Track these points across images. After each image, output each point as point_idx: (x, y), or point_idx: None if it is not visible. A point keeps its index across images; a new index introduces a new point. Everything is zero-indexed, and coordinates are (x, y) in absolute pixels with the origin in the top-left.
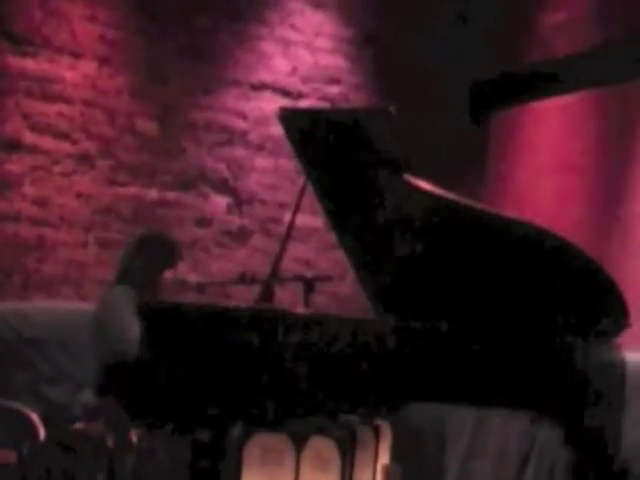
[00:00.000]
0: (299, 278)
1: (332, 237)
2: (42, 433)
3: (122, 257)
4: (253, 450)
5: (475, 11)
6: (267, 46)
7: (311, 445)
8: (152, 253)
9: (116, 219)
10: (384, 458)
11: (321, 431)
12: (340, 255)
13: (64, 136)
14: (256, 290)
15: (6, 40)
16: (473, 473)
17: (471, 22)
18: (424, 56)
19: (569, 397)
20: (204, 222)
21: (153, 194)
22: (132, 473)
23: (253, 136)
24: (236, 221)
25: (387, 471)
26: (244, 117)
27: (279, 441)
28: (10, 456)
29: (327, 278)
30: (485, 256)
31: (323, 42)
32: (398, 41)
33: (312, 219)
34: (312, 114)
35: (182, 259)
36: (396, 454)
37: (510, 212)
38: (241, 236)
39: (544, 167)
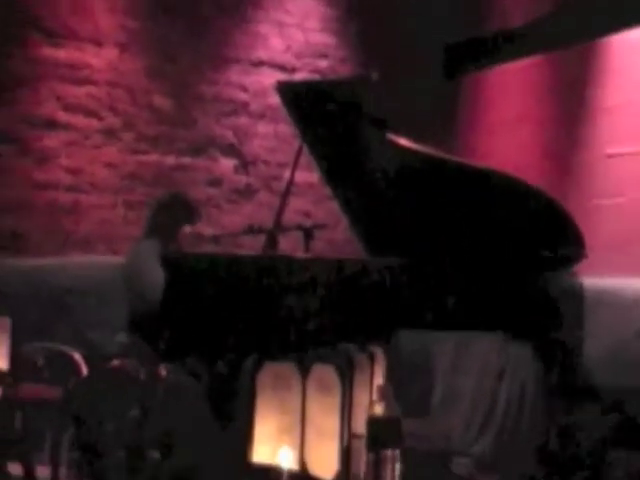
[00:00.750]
0: (299, 227)
1: (326, 190)
2: (84, 370)
3: (148, 215)
4: (265, 378)
5: None
6: (264, 28)
7: (314, 371)
8: (173, 211)
9: (140, 183)
10: (378, 379)
11: (323, 359)
12: (334, 206)
13: (92, 114)
14: (262, 239)
15: (41, 34)
16: (456, 387)
17: None
18: (401, 26)
19: (536, 318)
20: (215, 182)
21: (170, 160)
22: (161, 402)
23: (254, 106)
24: (243, 180)
25: (381, 391)
26: (246, 90)
27: (287, 369)
28: (55, 391)
29: (323, 226)
30: (458, 201)
31: (312, 23)
32: (377, 16)
33: (308, 175)
34: (305, 85)
35: (200, 217)
36: (389, 375)
37: (478, 161)
38: (247, 193)
39: (506, 120)
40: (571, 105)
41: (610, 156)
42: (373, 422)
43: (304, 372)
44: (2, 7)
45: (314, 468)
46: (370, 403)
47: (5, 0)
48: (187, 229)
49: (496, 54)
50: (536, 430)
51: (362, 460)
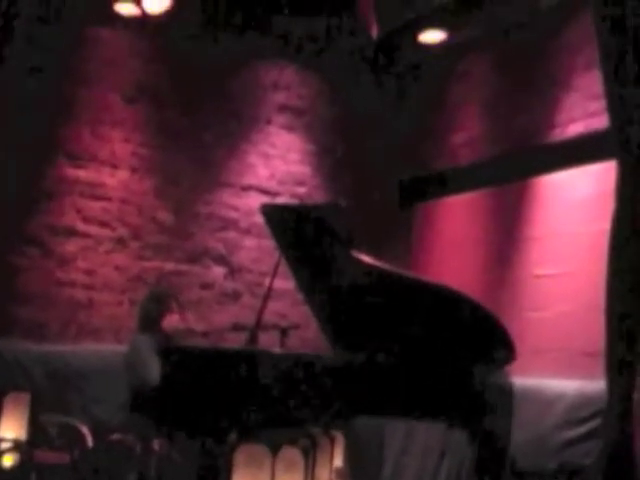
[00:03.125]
0: (276, 326)
1: (300, 296)
2: (90, 441)
3: (139, 308)
4: (240, 456)
5: (401, 130)
6: (253, 158)
7: (283, 453)
8: (160, 301)
9: (143, 284)
10: (338, 460)
11: (291, 441)
12: (306, 309)
13: (106, 225)
14: (245, 336)
15: (65, 157)
16: (404, 465)
17: (398, 138)
18: (367, 163)
19: (473, 409)
20: (207, 286)
21: (170, 266)
22: (155, 472)
23: (242, 223)
24: (230, 285)
25: (339, 472)
26: (236, 209)
27: (259, 449)
28: (65, 457)
29: (297, 326)
30: (410, 309)
31: (293, 155)
32: (348, 153)
33: (285, 282)
34: (285, 208)
35: (181, 305)
36: (346, 456)
37: (428, 276)
38: (234, 296)
39: (452, 242)
40: (507, 232)
41: (537, 276)
42: None
43: (274, 452)
44: (36, 134)
45: None
46: None
47: (39, 129)
48: (179, 324)
49: (444, 188)
50: None
51: None
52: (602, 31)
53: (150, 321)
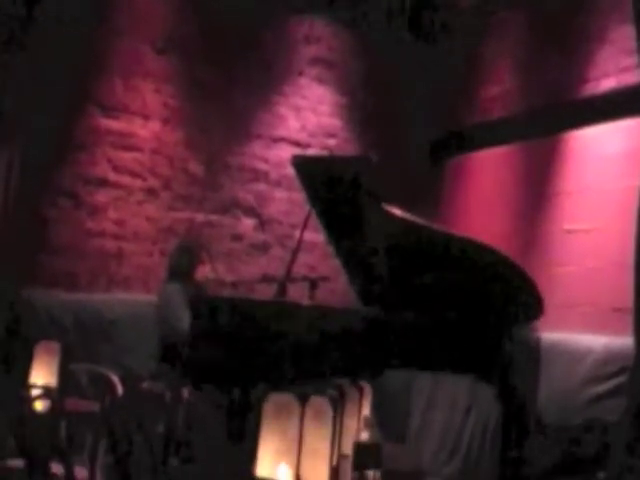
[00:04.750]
0: (305, 278)
1: (330, 249)
2: (119, 390)
3: (170, 258)
4: (269, 407)
5: (433, 84)
6: (284, 110)
7: (311, 402)
8: (191, 253)
9: (173, 235)
10: (365, 410)
11: (318, 391)
12: (336, 262)
13: (137, 175)
14: (274, 287)
15: (98, 108)
16: (431, 419)
17: (429, 92)
18: (397, 118)
19: (500, 364)
20: (237, 238)
21: (200, 217)
22: (183, 420)
23: (273, 175)
24: (260, 237)
25: (366, 421)
26: (266, 161)
27: (288, 399)
28: (95, 406)
29: (326, 278)
30: (439, 262)
31: (324, 108)
32: (378, 107)
33: (315, 235)
34: (316, 160)
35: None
36: (374, 407)
37: (457, 231)
38: (263, 248)
39: (484, 199)
40: (537, 187)
41: (567, 232)
42: (358, 447)
43: (303, 402)
44: (68, 86)
45: None
46: (357, 430)
47: (71, 80)
48: (210, 274)
49: (475, 143)
50: (495, 457)
51: (348, 478)
52: None
53: (180, 272)
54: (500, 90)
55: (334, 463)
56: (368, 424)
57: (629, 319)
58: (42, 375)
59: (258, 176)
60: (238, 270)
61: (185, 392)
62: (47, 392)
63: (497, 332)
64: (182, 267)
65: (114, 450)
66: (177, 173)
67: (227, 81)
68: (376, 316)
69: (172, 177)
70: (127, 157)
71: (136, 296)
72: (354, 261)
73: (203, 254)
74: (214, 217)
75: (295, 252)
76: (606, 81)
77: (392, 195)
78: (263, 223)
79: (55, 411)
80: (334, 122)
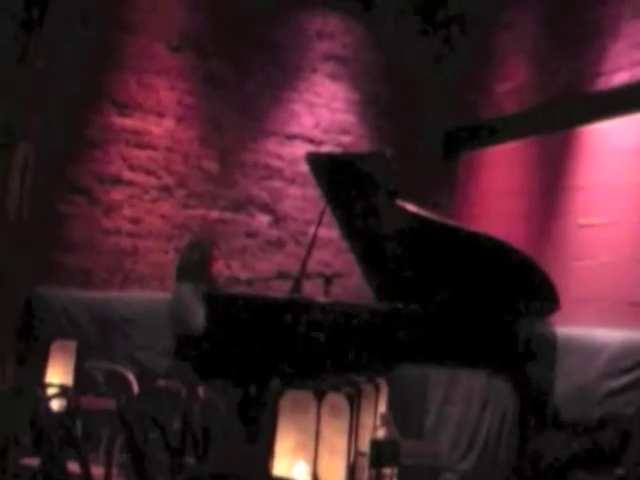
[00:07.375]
0: (320, 275)
1: (344, 245)
2: (135, 387)
3: (181, 256)
4: (286, 403)
5: (446, 79)
6: (298, 107)
7: (328, 398)
8: (202, 250)
9: (188, 233)
10: (382, 407)
11: (335, 388)
12: (350, 258)
13: (151, 173)
14: (289, 284)
15: (112, 105)
16: (447, 415)
17: (443, 87)
18: (412, 113)
19: (516, 359)
20: (251, 234)
21: (214, 214)
22: (199, 418)
23: (287, 172)
24: (275, 234)
25: (383, 418)
26: (281, 158)
27: (305, 396)
28: (111, 403)
29: (341, 275)
30: (453, 257)
31: (338, 104)
32: (392, 102)
33: (330, 232)
34: (330, 157)
35: (217, 253)
36: (391, 404)
37: (472, 226)
38: (278, 244)
39: (496, 192)
40: (551, 181)
41: (581, 226)
42: (375, 444)
43: (319, 399)
44: (83, 83)
45: None
46: (374, 427)
47: (86, 78)
48: (223, 270)
49: (489, 137)
50: (512, 452)
51: (365, 475)
52: None
53: (190, 269)
54: (514, 85)
55: (351, 460)
56: (385, 421)
57: None
58: (58, 374)
59: (272, 173)
60: (253, 267)
61: (201, 390)
62: (63, 391)
63: (513, 327)
64: (193, 264)
65: (130, 448)
66: (191, 170)
67: (241, 78)
68: (391, 311)
69: (186, 174)
70: (142, 155)
71: (151, 293)
72: (369, 257)
73: (215, 251)
74: (229, 214)
75: (310, 248)
76: (619, 75)
77: (407, 190)
78: (277, 220)
79: (71, 409)
80: (348, 118)
